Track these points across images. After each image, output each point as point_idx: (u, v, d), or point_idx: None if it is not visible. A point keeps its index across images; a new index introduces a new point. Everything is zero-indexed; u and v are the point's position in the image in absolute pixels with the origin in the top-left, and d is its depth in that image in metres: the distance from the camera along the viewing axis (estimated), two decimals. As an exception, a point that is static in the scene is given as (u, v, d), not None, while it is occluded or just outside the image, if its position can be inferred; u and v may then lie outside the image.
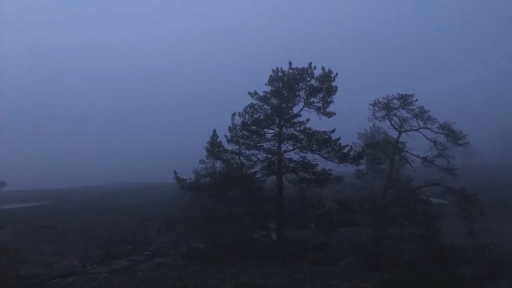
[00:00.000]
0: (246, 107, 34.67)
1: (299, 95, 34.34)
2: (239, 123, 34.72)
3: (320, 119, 34.19)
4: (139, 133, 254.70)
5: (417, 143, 35.11)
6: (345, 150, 33.64)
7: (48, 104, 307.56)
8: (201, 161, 38.64)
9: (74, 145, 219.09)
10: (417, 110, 34.16)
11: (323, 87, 33.84)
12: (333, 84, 33.83)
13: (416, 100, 34.10)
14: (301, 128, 34.07)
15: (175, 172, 34.85)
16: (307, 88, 34.11)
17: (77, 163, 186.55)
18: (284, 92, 34.17)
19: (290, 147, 34.57)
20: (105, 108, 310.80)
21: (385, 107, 34.80)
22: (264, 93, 34.41)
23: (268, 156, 34.93)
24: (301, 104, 34.51)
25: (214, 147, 35.36)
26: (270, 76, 34.47)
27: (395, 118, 34.98)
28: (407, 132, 34.76)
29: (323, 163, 34.14)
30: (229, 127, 34.89)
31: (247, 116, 34.67)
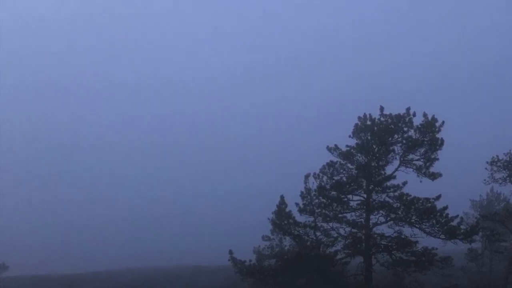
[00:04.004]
0: (323, 166, 34.57)
1: (393, 151, 34.17)
2: (315, 187, 34.57)
3: (421, 181, 33.94)
4: (183, 201, 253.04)
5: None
6: (454, 223, 33.13)
7: (60, 161, 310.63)
8: (264, 238, 39.12)
9: (96, 216, 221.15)
10: (549, 170, 34.00)
11: (425, 140, 33.49)
12: (438, 136, 33.49)
13: (548, 157, 33.92)
14: (396, 193, 33.72)
15: (230, 252, 34.48)
16: (404, 141, 33.83)
17: (100, 239, 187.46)
18: (374, 146, 34.07)
19: (382, 219, 34.21)
20: (138, 167, 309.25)
21: (507, 166, 35.05)
22: (348, 148, 34.24)
23: (353, 230, 34.43)
24: (396, 162, 34.37)
25: (281, 219, 34.96)
26: (356, 125, 34.45)
27: (519, 181, 35.01)
28: (535, 199, 34.69)
29: (425, 240, 33.61)
30: (302, 192, 34.78)
31: (325, 178, 34.48)
